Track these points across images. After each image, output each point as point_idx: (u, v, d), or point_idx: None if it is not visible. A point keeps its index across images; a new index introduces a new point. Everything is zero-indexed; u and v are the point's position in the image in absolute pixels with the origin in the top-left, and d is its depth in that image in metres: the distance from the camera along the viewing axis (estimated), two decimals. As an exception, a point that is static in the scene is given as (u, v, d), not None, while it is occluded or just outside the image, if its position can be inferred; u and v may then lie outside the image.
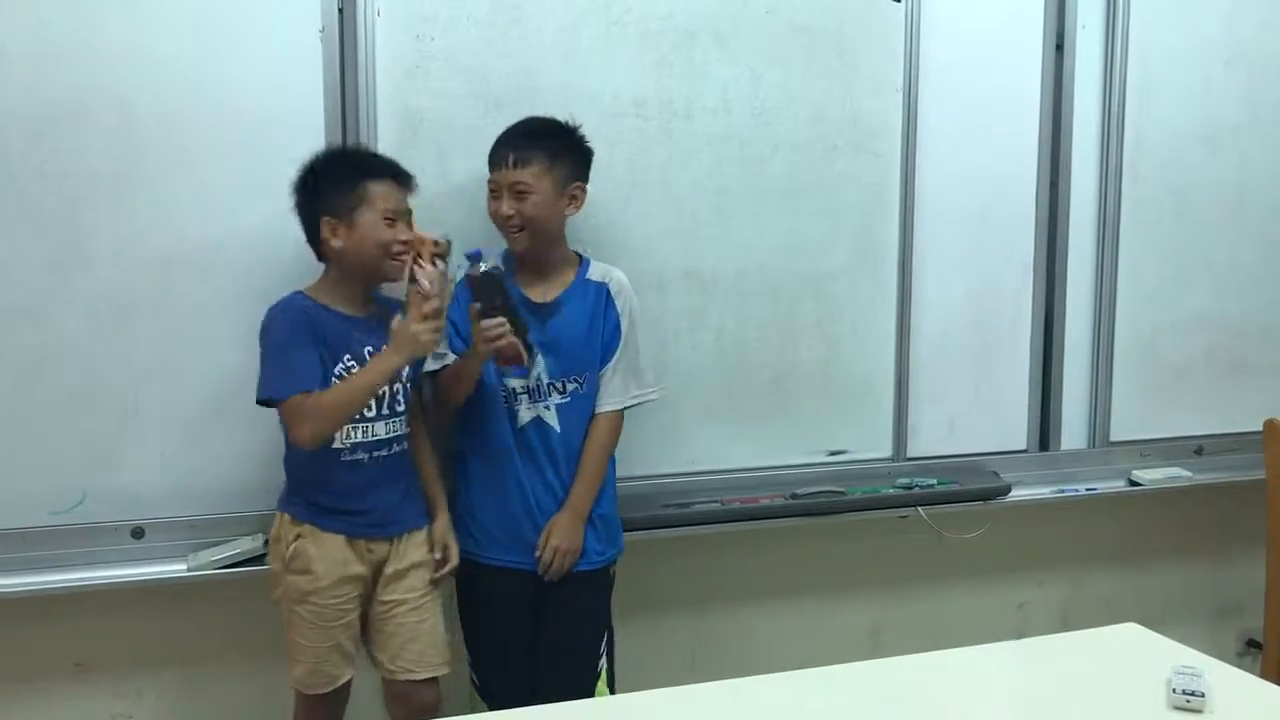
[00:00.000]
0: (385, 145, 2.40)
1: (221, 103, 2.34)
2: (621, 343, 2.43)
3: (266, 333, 2.18)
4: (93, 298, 2.30)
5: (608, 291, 2.41)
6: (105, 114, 2.27)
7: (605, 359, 2.42)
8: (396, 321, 2.13)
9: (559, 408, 2.38)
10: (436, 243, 2.15)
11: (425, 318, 2.11)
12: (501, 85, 2.51)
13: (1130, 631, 2.15)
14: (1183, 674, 1.81)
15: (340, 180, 2.20)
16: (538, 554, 2.36)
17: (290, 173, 2.26)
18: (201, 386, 2.38)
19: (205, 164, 2.33)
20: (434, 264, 2.13)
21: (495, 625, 2.42)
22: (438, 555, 2.35)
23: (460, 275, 2.23)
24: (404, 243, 2.18)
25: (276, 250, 2.36)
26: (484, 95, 2.49)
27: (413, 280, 2.13)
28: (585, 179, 2.37)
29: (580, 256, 2.44)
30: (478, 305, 2.20)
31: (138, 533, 2.37)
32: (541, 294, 2.38)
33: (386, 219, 2.19)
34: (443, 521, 2.39)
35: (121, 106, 2.28)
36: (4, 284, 2.25)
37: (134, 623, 2.50)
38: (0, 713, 2.46)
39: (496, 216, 2.31)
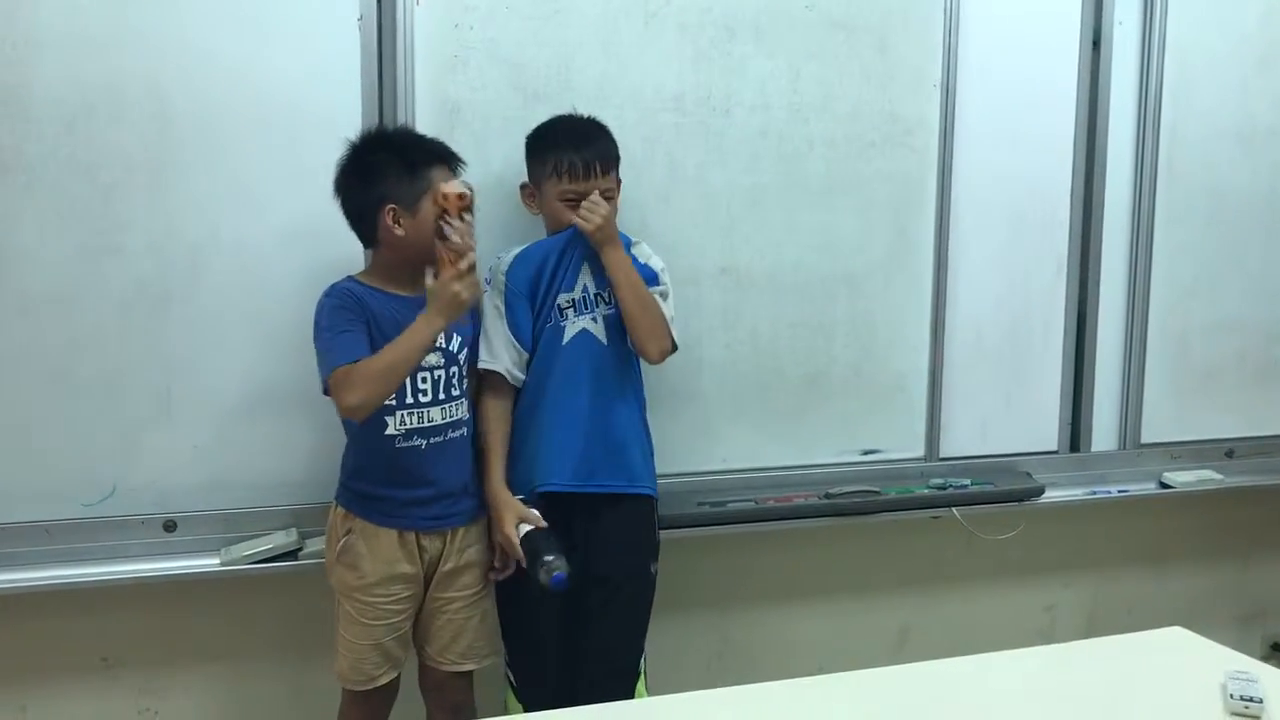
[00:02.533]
0: (424, 136, 2.37)
1: (257, 92, 2.30)
2: (662, 276, 2.42)
3: (316, 324, 2.14)
4: (125, 288, 2.27)
5: (629, 242, 2.40)
6: (140, 103, 2.24)
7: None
8: (429, 280, 2.07)
9: (606, 319, 2.36)
10: (461, 195, 2.06)
11: (461, 275, 2.05)
12: (540, 77, 2.48)
13: (1176, 635, 2.12)
14: (1238, 679, 1.79)
15: (405, 168, 2.15)
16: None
17: (327, 164, 2.23)
18: (235, 378, 2.35)
19: (240, 154, 2.31)
20: (461, 218, 2.05)
21: (534, 622, 2.37)
22: (498, 565, 2.33)
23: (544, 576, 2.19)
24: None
25: (312, 242, 2.33)
26: (523, 87, 2.47)
27: (442, 237, 2.05)
28: None
29: None
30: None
31: (170, 526, 2.33)
32: None
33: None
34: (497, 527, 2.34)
35: (157, 95, 2.25)
36: (36, 273, 2.22)
37: (164, 618, 2.47)
38: (27, 707, 2.43)
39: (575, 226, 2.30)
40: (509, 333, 2.33)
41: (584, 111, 2.42)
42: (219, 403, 2.35)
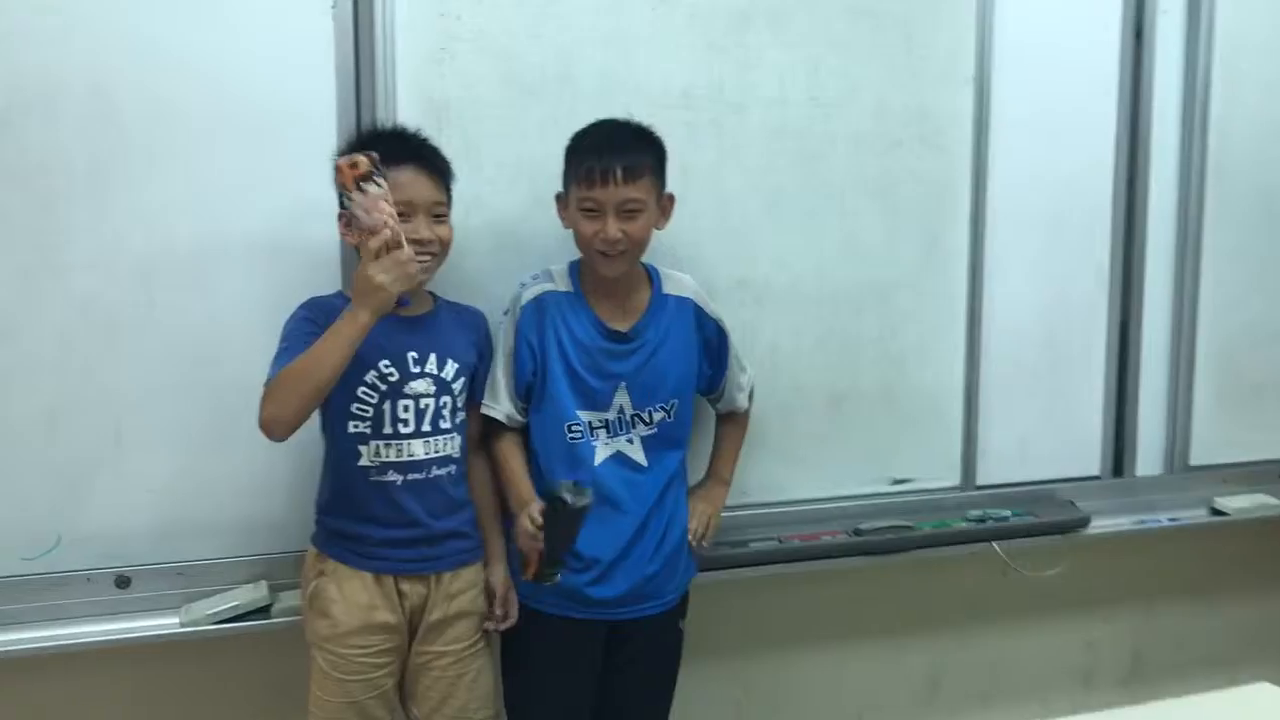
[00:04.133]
0: (405, 136, 2.12)
1: (217, 88, 2.06)
2: (731, 353, 2.23)
3: (282, 333, 1.91)
4: (67, 310, 2.02)
5: (694, 307, 2.16)
6: (83, 100, 1.99)
7: (715, 375, 2.23)
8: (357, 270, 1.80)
9: (645, 440, 2.11)
10: (355, 164, 1.77)
11: (376, 255, 1.77)
12: (536, 71, 2.23)
13: (1263, 694, 1.87)
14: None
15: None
16: (692, 526, 2.20)
17: (296, 169, 2.05)
18: (195, 411, 2.09)
19: (199, 157, 2.05)
20: (361, 190, 1.76)
21: (555, 686, 2.11)
22: (499, 612, 2.08)
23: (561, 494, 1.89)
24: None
25: (282, 255, 2.10)
26: (516, 81, 2.22)
27: (352, 218, 1.79)
28: None
29: (644, 267, 2.16)
30: (539, 520, 1.92)
31: (122, 581, 2.09)
32: (622, 319, 2.10)
33: (400, 213, 1.86)
34: (500, 572, 2.11)
35: (102, 92, 1.99)
36: (-37, 297, 1.97)
37: (118, 686, 2.20)
38: (-39, 790, 2.15)
39: (596, 239, 2.00)
40: (512, 385, 2.08)
41: (584, 108, 2.17)
42: (177, 439, 2.09)
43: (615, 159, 1.97)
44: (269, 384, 1.83)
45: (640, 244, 2.04)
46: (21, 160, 1.95)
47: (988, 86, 2.57)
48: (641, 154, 2.01)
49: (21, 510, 2.02)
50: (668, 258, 2.24)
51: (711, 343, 2.19)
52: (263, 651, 2.18)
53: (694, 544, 2.20)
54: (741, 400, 2.28)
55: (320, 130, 2.09)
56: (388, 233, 1.76)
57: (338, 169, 1.78)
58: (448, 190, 2.00)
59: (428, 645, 2.02)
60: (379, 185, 1.77)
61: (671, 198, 2.10)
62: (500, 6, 2.19)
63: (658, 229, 2.08)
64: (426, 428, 1.97)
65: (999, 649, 2.96)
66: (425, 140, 2.01)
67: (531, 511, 1.93)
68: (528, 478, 2.08)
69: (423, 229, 1.93)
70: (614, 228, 1.98)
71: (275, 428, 1.82)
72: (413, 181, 1.92)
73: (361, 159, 1.76)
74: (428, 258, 1.93)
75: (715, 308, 2.21)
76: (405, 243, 1.78)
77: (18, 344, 1.98)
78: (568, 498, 1.85)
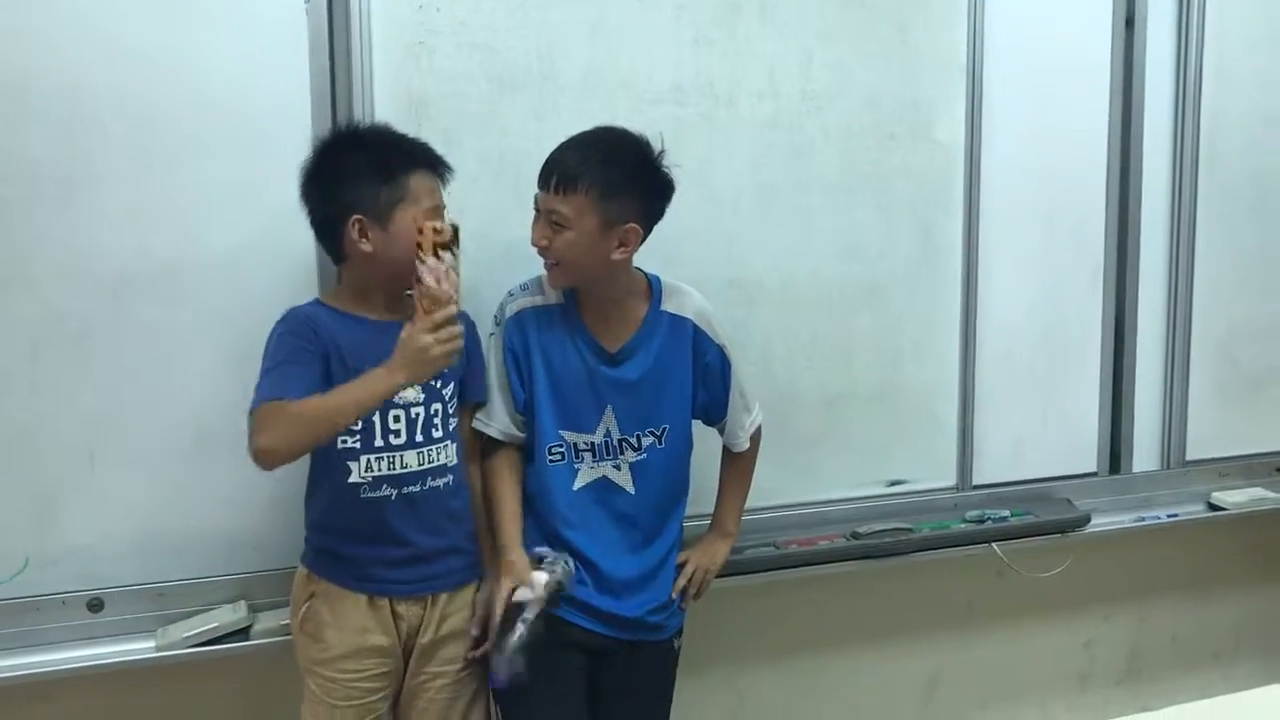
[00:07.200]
0: (384, 135, 2.04)
1: (190, 89, 1.97)
2: (733, 379, 2.10)
3: (265, 351, 1.81)
4: (36, 323, 1.93)
5: (693, 328, 2.04)
6: (52, 103, 1.90)
7: (712, 404, 2.10)
8: (405, 330, 1.73)
9: (633, 466, 2.02)
10: (438, 229, 1.72)
11: (437, 326, 1.71)
12: (518, 64, 2.16)
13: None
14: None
15: (377, 172, 1.83)
16: (680, 583, 2.10)
17: (271, 172, 1.96)
18: (170, 426, 2.01)
19: (171, 161, 1.97)
20: (438, 256, 1.71)
21: (539, 704, 1.98)
22: (474, 632, 1.98)
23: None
24: None
25: (259, 262, 2.02)
26: (498, 76, 2.15)
27: (418, 279, 1.72)
28: (646, 219, 1.93)
29: (648, 280, 2.06)
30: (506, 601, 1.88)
31: (95, 605, 2.00)
32: (612, 338, 2.00)
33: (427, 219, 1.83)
34: (489, 588, 2.02)
35: (72, 94, 1.91)
36: (-77, 311, 1.87)
37: (91, 714, 2.10)
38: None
39: (532, 241, 1.94)
40: (506, 397, 2.00)
41: (568, 103, 2.15)
42: (151, 455, 2.00)
43: (556, 165, 1.88)
44: (261, 408, 1.73)
45: (565, 262, 1.90)
46: (-15, 165, 1.87)
47: (980, 77, 2.51)
48: (585, 170, 1.85)
49: (-13, 532, 1.94)
50: (656, 258, 2.16)
51: (712, 369, 2.07)
52: (243, 674, 2.10)
53: (677, 600, 2.11)
54: (742, 440, 2.14)
55: (296, 130, 2.00)
56: (454, 308, 1.71)
57: (421, 230, 1.72)
58: None
59: (422, 667, 1.94)
60: (455, 256, 1.72)
61: (636, 230, 1.91)
62: (481, -2, 2.13)
63: (614, 258, 1.91)
64: (419, 438, 1.89)
65: (996, 652, 2.91)
66: (427, 144, 1.93)
67: (503, 591, 1.88)
68: (517, 514, 2.00)
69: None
70: (537, 232, 1.91)
71: (271, 459, 1.73)
72: (436, 186, 1.89)
73: (448, 228, 1.72)
74: None
75: (722, 331, 2.09)
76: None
77: (-17, 358, 1.90)
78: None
